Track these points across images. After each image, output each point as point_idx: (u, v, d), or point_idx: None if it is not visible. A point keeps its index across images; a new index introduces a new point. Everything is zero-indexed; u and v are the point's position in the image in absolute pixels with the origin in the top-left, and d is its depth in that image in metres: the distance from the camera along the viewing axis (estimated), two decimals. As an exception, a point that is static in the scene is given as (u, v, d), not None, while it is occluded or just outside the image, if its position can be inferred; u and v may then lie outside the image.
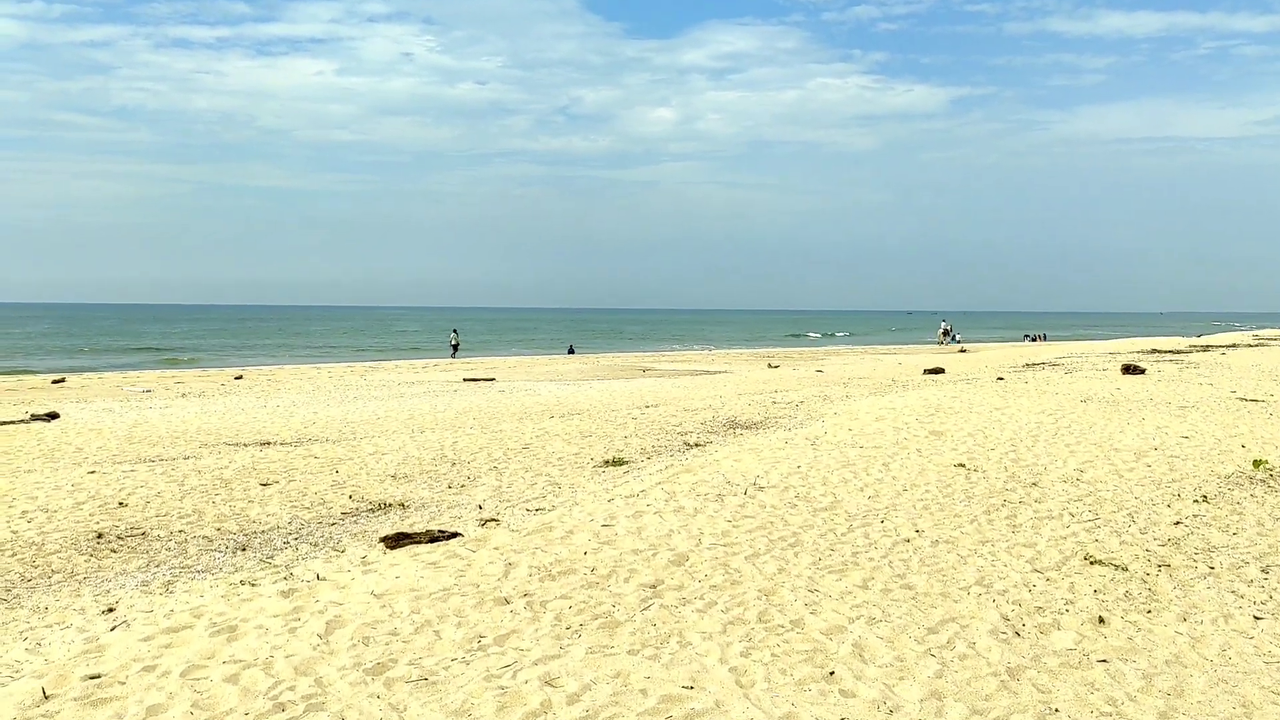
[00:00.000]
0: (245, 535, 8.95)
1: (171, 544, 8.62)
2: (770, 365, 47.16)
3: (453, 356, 55.69)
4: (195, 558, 8.22)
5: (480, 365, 47.35)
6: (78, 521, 9.21)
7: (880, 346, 72.55)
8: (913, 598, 6.47)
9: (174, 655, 5.24)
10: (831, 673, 5.14)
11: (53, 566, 7.91)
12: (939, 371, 31.60)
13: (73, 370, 41.75)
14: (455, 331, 61.12)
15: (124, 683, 4.86)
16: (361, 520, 9.59)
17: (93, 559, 8.14)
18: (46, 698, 4.70)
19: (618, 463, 12.72)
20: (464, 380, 35.30)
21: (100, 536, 8.72)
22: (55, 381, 32.23)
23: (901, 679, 5.12)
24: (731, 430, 16.32)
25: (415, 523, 9.33)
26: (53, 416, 18.56)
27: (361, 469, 12.31)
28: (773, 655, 5.34)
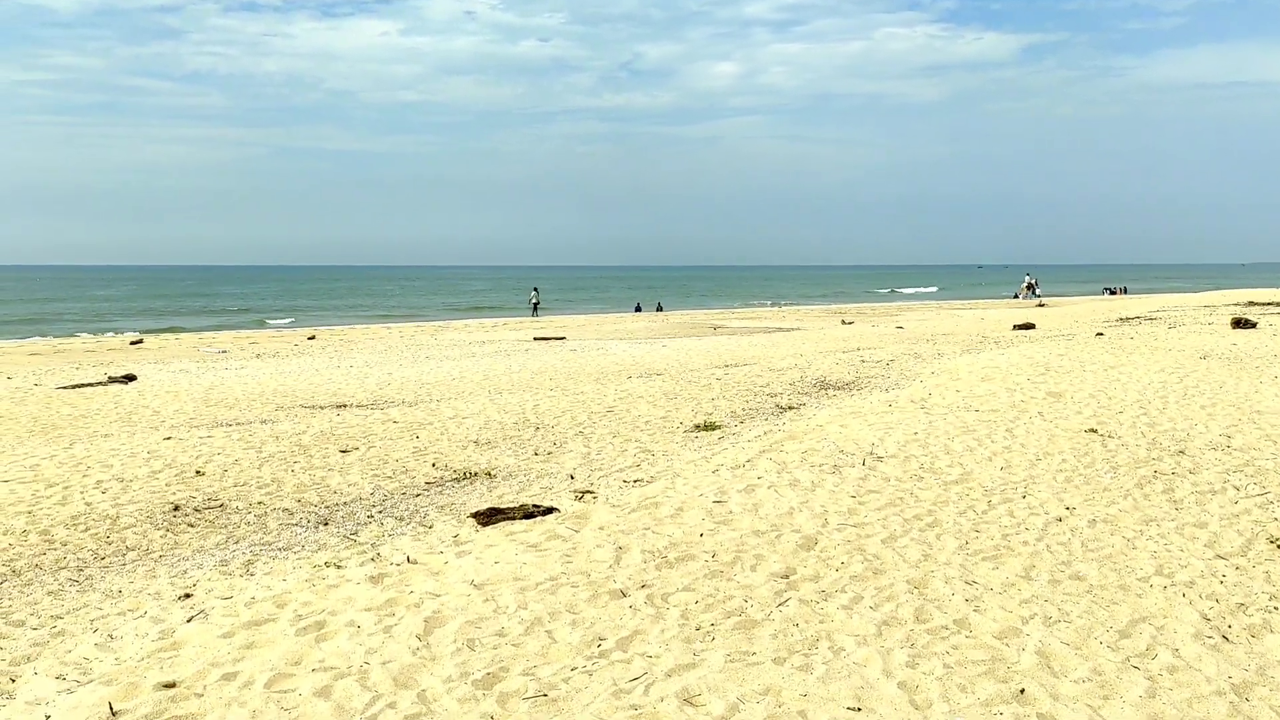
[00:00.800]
0: (327, 508, 8.39)
1: (250, 517, 8.09)
2: (844, 321, 45.88)
3: (533, 315, 55.37)
4: (275, 533, 7.67)
5: (550, 324, 46.87)
6: (154, 492, 8.74)
7: (956, 301, 70.53)
8: (1088, 591, 5.61)
9: (257, 659, 4.62)
10: (1022, 690, 4.32)
11: (127, 543, 7.42)
12: (1029, 327, 30.13)
13: (150, 331, 42.25)
14: (535, 290, 60.45)
15: (201, 695, 4.25)
16: (447, 490, 8.98)
17: (169, 534, 7.64)
18: (114, 714, 4.11)
19: (710, 427, 11.95)
20: (534, 339, 34.79)
21: (177, 509, 8.23)
22: (133, 343, 32.48)
23: (1106, 699, 4.28)
24: (823, 391, 15.43)
25: (504, 494, 8.68)
26: (130, 379, 18.40)
27: (442, 434, 11.72)
28: (945, 666, 4.53)
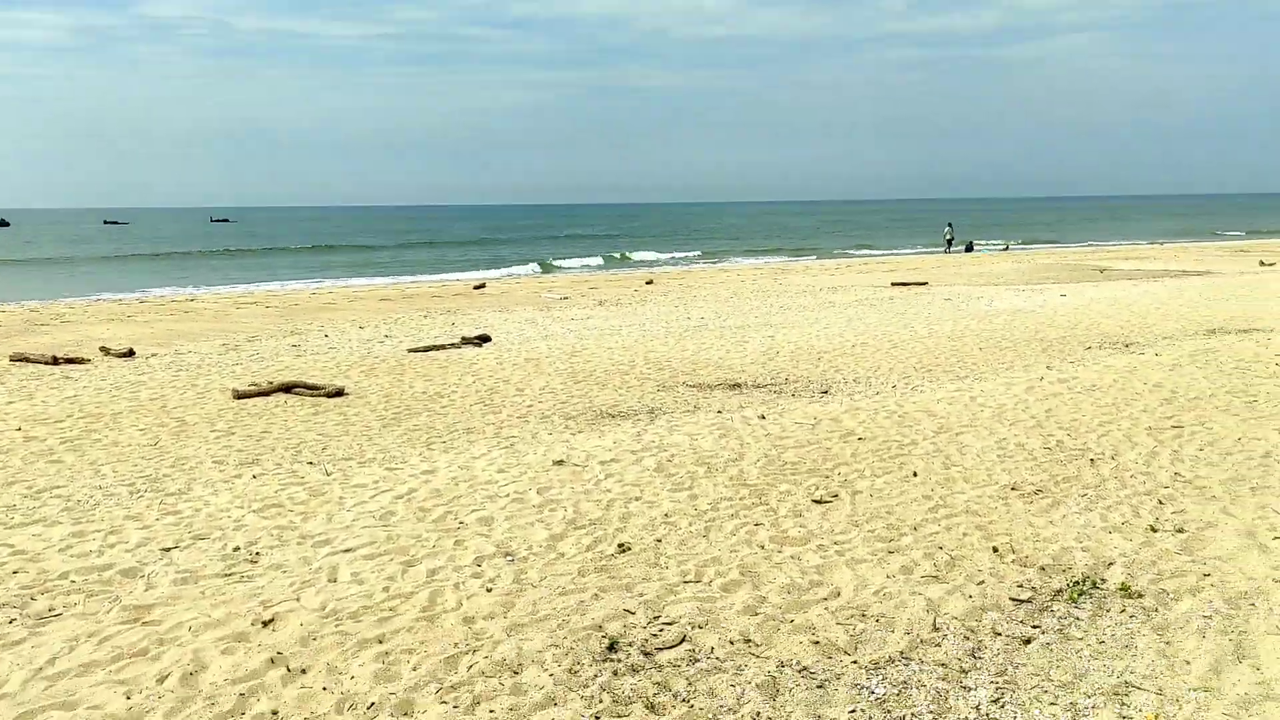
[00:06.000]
0: (874, 669, 4.49)
1: (741, 687, 4.36)
2: (1262, 263, 36.94)
3: (946, 252, 50.90)
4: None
5: (899, 265, 41.63)
6: (565, 592, 5.24)
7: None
8: None
9: None
10: None
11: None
12: None
13: (493, 266, 41.69)
14: (950, 226, 55.25)
15: None
16: (1071, 631, 4.80)
17: None
18: None
19: None
20: (892, 284, 30.03)
21: (613, 647, 4.64)
22: (477, 287, 31.30)
23: None
24: None
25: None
26: (484, 339, 15.88)
27: (947, 465, 7.59)
28: None
